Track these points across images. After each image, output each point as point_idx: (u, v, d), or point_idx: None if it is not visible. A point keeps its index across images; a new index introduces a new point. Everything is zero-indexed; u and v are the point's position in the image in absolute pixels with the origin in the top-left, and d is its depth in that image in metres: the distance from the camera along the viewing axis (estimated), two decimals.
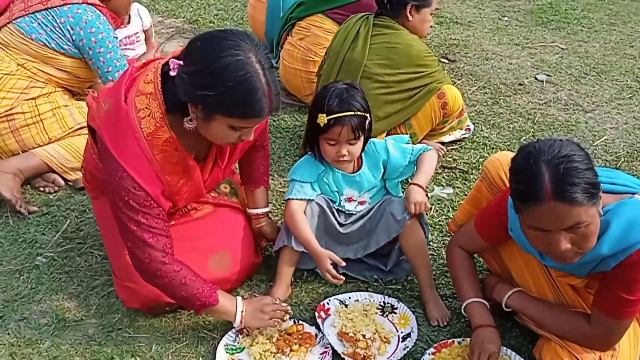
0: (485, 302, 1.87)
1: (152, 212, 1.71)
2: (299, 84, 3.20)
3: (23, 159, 2.63)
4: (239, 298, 1.89)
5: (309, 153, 2.14)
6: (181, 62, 1.60)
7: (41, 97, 2.64)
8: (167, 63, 1.67)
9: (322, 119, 1.97)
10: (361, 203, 2.18)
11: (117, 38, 2.68)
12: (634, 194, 1.62)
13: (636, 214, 1.55)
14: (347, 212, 2.17)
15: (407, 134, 2.67)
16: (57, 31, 2.58)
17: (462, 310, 1.89)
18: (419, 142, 2.84)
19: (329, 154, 2.05)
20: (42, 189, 2.66)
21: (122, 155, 1.66)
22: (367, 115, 2.03)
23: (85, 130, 2.67)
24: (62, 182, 2.68)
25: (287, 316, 1.91)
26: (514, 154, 1.92)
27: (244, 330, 1.93)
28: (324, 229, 2.13)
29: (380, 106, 2.61)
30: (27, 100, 2.60)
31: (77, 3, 2.58)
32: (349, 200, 2.17)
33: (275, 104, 1.61)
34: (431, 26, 2.78)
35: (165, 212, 1.77)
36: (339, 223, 2.14)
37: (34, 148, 2.65)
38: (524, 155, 1.52)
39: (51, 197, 2.63)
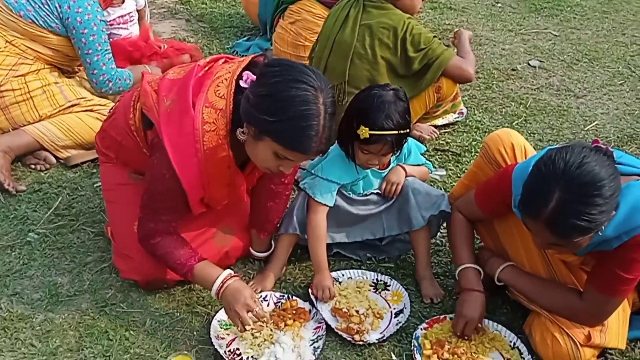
0: (478, 268, 1.89)
1: (175, 208, 1.79)
2: None
3: (13, 137, 2.60)
4: (226, 274, 1.79)
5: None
6: (254, 78, 1.64)
7: (30, 74, 2.60)
8: (240, 73, 1.69)
9: (364, 132, 1.89)
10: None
11: (104, 22, 2.64)
12: None
13: None
14: (365, 196, 2.15)
15: None
16: (45, 8, 2.54)
17: (456, 275, 1.91)
18: (412, 125, 2.85)
19: (360, 159, 2.01)
20: (33, 166, 2.63)
21: (178, 160, 1.69)
22: (408, 129, 1.98)
23: (77, 108, 2.69)
24: (54, 160, 2.66)
25: (256, 323, 1.79)
26: (514, 131, 1.95)
27: None
28: (337, 224, 2.11)
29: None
30: (17, 77, 2.57)
31: None
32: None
33: (322, 148, 1.65)
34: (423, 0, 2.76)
35: (194, 214, 1.83)
36: (352, 205, 2.12)
37: (24, 126, 2.63)
38: (548, 168, 1.48)
39: (42, 174, 2.60)
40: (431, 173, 2.30)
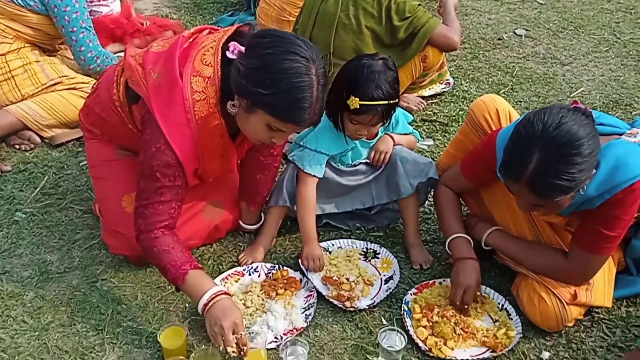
0: (468, 237, 1.91)
1: (174, 185, 1.71)
2: None
3: None
4: (219, 289, 1.70)
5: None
6: (242, 49, 1.61)
7: (11, 53, 2.57)
8: (226, 42, 1.67)
9: (354, 103, 1.88)
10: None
11: None
12: (621, 134, 1.65)
13: (623, 154, 1.58)
14: (353, 166, 2.16)
15: None
16: None
17: (446, 247, 1.93)
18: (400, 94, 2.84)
19: (349, 130, 2.00)
20: (17, 146, 2.61)
21: (171, 132, 1.66)
22: (397, 99, 1.97)
23: (60, 87, 2.66)
24: (38, 140, 2.63)
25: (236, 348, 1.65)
26: (499, 96, 1.96)
27: (228, 278, 1.96)
28: (327, 195, 2.11)
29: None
30: None
31: None
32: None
33: (315, 119, 1.64)
34: None
35: (189, 186, 1.78)
36: (341, 176, 2.13)
37: (6, 105, 2.60)
38: (527, 130, 1.49)
39: (27, 154, 2.58)
40: (418, 142, 2.31)
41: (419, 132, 2.75)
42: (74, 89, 2.67)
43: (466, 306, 1.83)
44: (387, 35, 2.64)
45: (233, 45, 1.64)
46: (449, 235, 1.91)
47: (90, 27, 2.62)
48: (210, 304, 1.67)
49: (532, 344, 1.79)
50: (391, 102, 1.94)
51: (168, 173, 1.70)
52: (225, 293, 1.71)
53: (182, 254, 1.73)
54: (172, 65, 1.69)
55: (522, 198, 1.58)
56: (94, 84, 2.09)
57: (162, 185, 1.71)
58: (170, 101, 1.67)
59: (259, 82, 1.56)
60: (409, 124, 2.26)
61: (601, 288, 1.79)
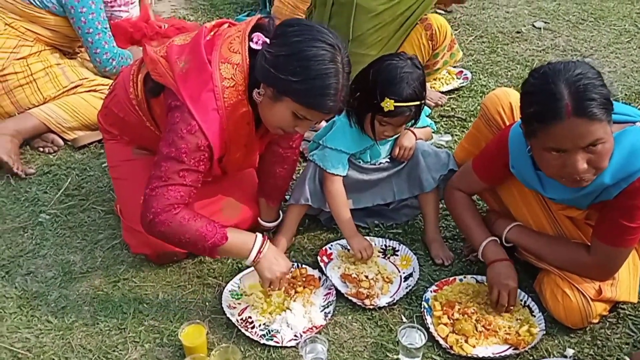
0: (495, 238, 1.87)
1: (197, 169, 1.69)
2: None
3: (20, 120, 2.62)
4: (260, 235, 1.79)
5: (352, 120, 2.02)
6: (267, 40, 1.64)
7: (32, 56, 2.62)
8: (250, 32, 1.69)
9: (390, 105, 1.87)
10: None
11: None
12: (635, 122, 1.62)
13: (638, 141, 1.55)
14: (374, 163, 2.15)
15: None
16: None
17: (479, 256, 1.88)
18: None
19: (377, 131, 1.98)
20: (41, 149, 2.66)
21: (202, 116, 1.66)
22: (425, 98, 1.97)
23: (80, 89, 2.70)
24: (61, 142, 2.68)
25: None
26: (512, 90, 1.93)
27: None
28: (347, 190, 2.09)
29: (374, 44, 2.55)
30: (18, 59, 2.59)
31: None
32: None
33: (340, 106, 1.66)
34: None
35: (210, 176, 1.79)
36: (362, 172, 2.12)
37: (29, 109, 2.65)
38: (540, 76, 1.51)
39: (51, 157, 2.63)
40: (433, 132, 2.29)
41: (437, 128, 2.74)
42: (94, 90, 2.71)
43: (512, 307, 1.80)
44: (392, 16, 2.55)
45: (257, 36, 1.66)
46: (479, 243, 1.87)
47: (106, 28, 2.65)
48: (262, 252, 1.75)
49: (556, 340, 1.77)
50: (422, 101, 1.94)
51: (195, 156, 1.67)
52: (265, 238, 1.79)
53: (209, 220, 1.73)
54: (199, 53, 1.70)
55: (570, 139, 1.46)
56: (111, 84, 2.12)
57: (187, 168, 1.68)
58: (199, 87, 1.68)
59: (288, 70, 1.58)
60: (427, 116, 2.24)
61: (626, 283, 1.76)
